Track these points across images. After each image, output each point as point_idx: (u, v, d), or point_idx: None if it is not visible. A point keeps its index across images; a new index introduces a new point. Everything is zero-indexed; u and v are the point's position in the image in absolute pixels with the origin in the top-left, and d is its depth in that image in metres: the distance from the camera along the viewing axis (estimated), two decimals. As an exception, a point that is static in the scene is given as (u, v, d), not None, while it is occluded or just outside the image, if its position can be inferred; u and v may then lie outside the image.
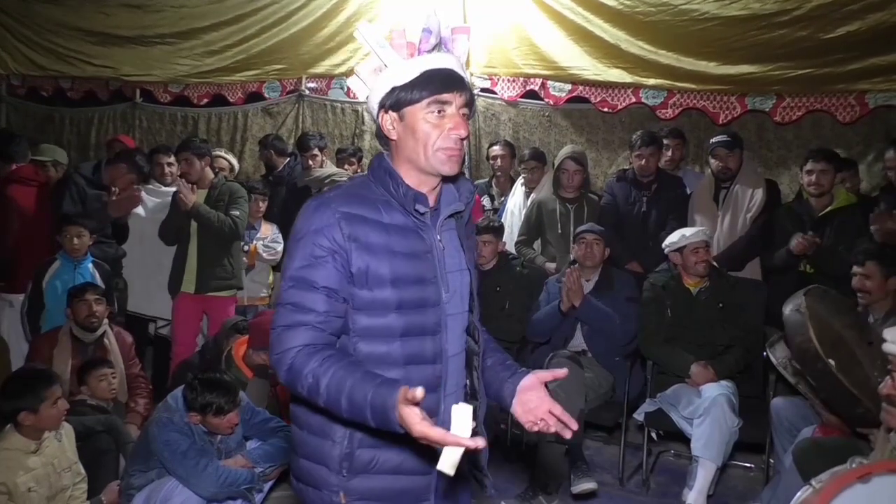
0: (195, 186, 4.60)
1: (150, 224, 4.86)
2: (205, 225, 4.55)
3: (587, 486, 3.63)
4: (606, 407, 3.99)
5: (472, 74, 5.66)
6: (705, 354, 3.82)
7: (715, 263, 4.07)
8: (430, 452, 1.58)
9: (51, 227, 4.45)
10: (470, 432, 1.42)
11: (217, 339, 4.16)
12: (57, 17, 6.90)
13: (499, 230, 4.50)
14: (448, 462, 1.41)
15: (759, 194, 4.42)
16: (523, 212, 5.01)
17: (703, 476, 3.55)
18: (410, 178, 1.71)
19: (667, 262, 4.16)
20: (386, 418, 1.47)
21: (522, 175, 5.15)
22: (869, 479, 2.02)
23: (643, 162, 4.56)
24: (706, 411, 3.58)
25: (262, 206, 5.18)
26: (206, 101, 6.75)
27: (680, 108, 5.07)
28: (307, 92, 6.35)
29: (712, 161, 4.51)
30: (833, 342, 2.78)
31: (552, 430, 1.70)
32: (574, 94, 5.36)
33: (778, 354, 3.43)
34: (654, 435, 3.94)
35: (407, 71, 1.66)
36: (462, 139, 1.68)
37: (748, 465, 4.08)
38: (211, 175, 4.71)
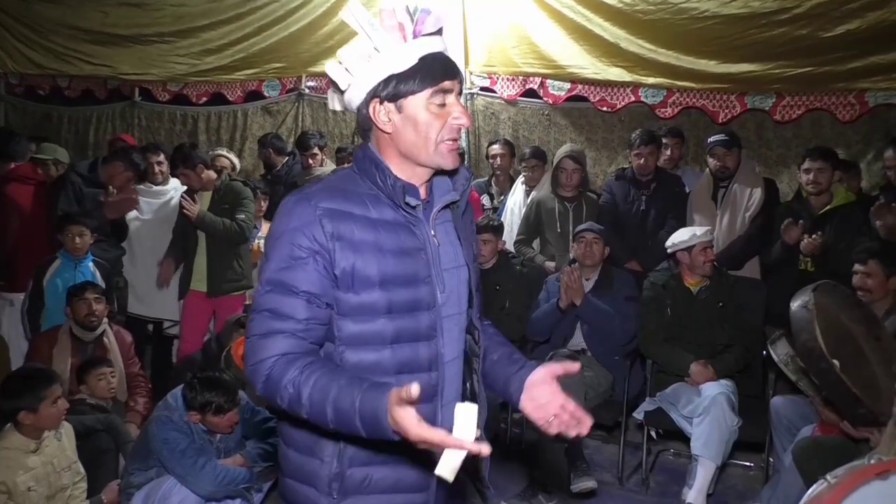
0: (197, 195, 4.60)
1: (145, 226, 4.86)
2: (212, 234, 4.56)
3: (587, 485, 3.63)
4: (606, 406, 3.99)
5: (471, 73, 5.66)
6: (705, 353, 3.82)
7: (715, 263, 4.07)
8: (428, 466, 1.48)
9: (49, 226, 4.44)
10: (474, 434, 1.30)
11: (221, 336, 4.16)
12: (56, 15, 6.89)
13: (498, 229, 4.50)
14: (448, 466, 1.30)
15: (758, 193, 4.42)
16: (523, 210, 5.01)
17: (702, 475, 3.55)
18: (402, 170, 1.57)
19: (667, 261, 4.16)
20: (378, 425, 1.35)
21: (523, 174, 5.15)
22: (888, 477, 1.97)
23: (642, 161, 4.56)
24: (706, 410, 3.58)
25: (264, 205, 5.18)
26: (204, 99, 6.75)
27: (679, 107, 5.07)
28: (307, 91, 6.35)
29: (710, 160, 4.51)
30: (840, 336, 2.77)
31: (567, 429, 1.56)
32: (573, 93, 5.36)
33: (779, 352, 3.42)
34: (653, 434, 3.94)
35: (404, 57, 1.51)
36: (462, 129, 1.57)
37: (748, 464, 4.08)
38: (213, 176, 4.70)
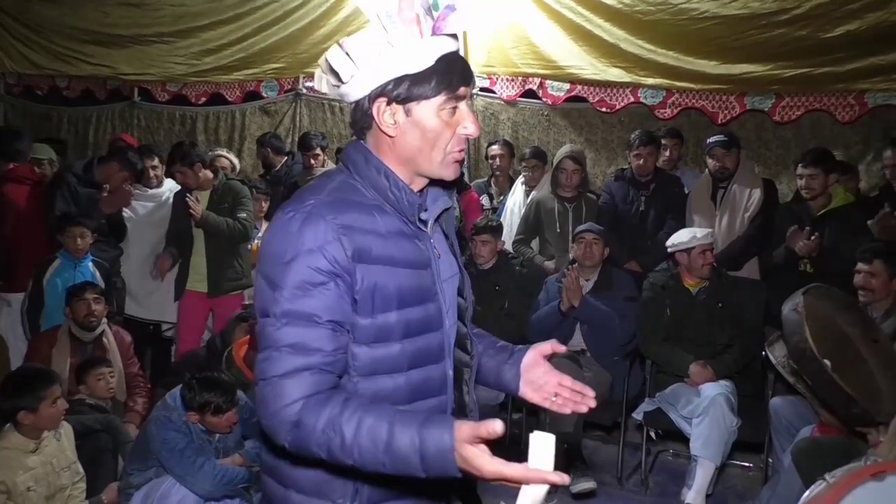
0: (196, 194, 4.59)
1: (139, 229, 4.86)
2: (215, 233, 4.55)
3: (586, 485, 3.63)
4: (605, 406, 3.97)
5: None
6: (704, 354, 3.82)
7: (715, 263, 4.07)
8: (442, 498, 1.46)
9: (46, 226, 4.44)
10: (552, 464, 1.18)
11: (224, 334, 4.17)
12: (55, 15, 6.88)
13: (497, 229, 4.50)
14: (528, 502, 1.19)
15: (757, 194, 4.42)
16: (523, 210, 5.01)
17: (701, 475, 3.56)
18: (402, 176, 1.44)
19: (666, 261, 4.16)
20: (444, 465, 1.20)
21: (523, 174, 5.15)
22: (883, 478, 2.00)
23: (641, 161, 4.56)
24: (705, 411, 3.59)
25: (265, 205, 5.19)
26: (203, 99, 6.75)
27: (679, 108, 5.07)
28: (304, 91, 6.35)
29: (710, 161, 4.51)
30: (836, 339, 2.78)
31: (569, 407, 1.50)
32: (573, 94, 5.35)
33: (777, 354, 3.44)
34: (652, 434, 3.95)
35: (421, 56, 1.36)
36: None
37: (747, 464, 4.08)
38: (210, 176, 4.69)
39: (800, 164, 4.09)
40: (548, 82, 5.41)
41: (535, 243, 4.91)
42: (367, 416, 1.25)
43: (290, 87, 6.41)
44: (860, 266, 3.46)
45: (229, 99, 6.62)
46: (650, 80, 5.03)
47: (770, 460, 3.76)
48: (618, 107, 5.24)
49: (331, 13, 5.84)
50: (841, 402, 2.74)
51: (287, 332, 1.32)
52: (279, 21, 6.09)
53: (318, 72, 1.50)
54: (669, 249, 4.02)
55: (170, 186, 4.97)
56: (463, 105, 1.41)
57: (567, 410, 1.52)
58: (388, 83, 1.37)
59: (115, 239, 4.75)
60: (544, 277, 4.40)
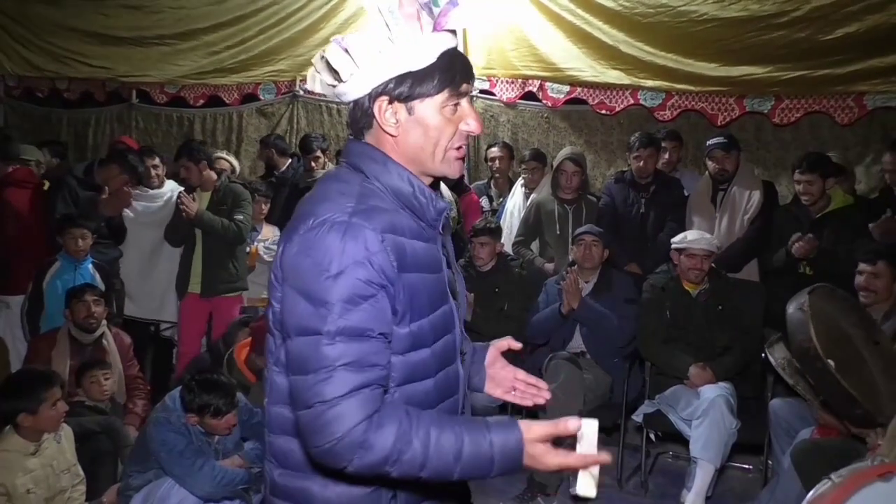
0: (196, 194, 4.60)
1: (139, 229, 4.86)
2: (209, 232, 4.56)
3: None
4: (605, 408, 3.98)
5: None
6: (704, 356, 3.83)
7: (713, 265, 4.07)
8: (462, 498, 1.54)
9: (46, 229, 4.44)
10: (597, 447, 1.32)
11: (226, 338, 4.17)
12: (55, 17, 6.86)
13: (496, 231, 4.50)
14: (588, 484, 1.32)
15: (756, 196, 4.43)
16: (522, 212, 5.01)
17: (701, 477, 3.56)
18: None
19: (666, 263, 4.16)
20: (513, 464, 1.28)
21: (523, 176, 5.15)
22: (890, 479, 2.00)
23: (641, 163, 4.56)
24: (705, 413, 3.59)
25: (265, 208, 5.18)
26: (202, 101, 6.74)
27: (678, 110, 5.06)
28: (301, 93, 6.34)
29: (709, 163, 4.52)
30: (838, 340, 2.78)
31: (528, 400, 1.57)
32: (572, 96, 5.35)
33: (777, 355, 3.43)
34: (652, 436, 3.94)
35: (423, 52, 1.33)
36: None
37: (746, 466, 4.09)
38: (213, 177, 4.70)
39: (796, 170, 4.10)
40: (547, 84, 5.41)
41: (534, 245, 4.91)
42: (432, 427, 1.27)
43: (287, 89, 6.41)
44: (863, 267, 3.45)
45: (227, 101, 6.60)
46: (650, 82, 5.03)
47: (769, 462, 3.77)
48: (617, 109, 5.24)
49: (330, 15, 5.84)
50: (843, 403, 2.74)
51: (342, 350, 1.26)
52: (280, 24, 6.07)
53: (310, 71, 1.42)
54: (674, 246, 4.01)
55: (171, 187, 4.99)
56: (465, 102, 1.39)
57: (528, 403, 1.58)
58: (389, 81, 1.35)
59: (114, 240, 4.75)
60: (544, 279, 4.40)
